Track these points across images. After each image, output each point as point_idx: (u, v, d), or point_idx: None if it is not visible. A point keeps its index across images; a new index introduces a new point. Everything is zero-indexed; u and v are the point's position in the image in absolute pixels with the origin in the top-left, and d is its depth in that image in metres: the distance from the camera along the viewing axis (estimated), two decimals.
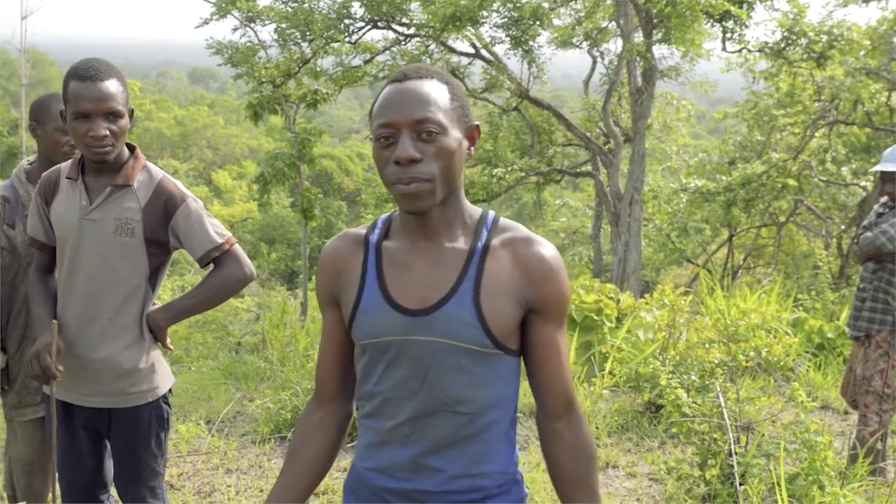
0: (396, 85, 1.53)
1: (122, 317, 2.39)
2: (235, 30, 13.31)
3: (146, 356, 2.44)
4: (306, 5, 13.41)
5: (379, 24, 13.87)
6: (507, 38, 14.31)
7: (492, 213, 1.62)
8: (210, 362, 6.83)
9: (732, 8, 12.61)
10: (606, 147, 14.86)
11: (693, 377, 4.44)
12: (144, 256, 2.40)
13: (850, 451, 4.15)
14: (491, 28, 14.16)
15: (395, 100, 1.51)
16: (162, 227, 2.41)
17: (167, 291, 14.68)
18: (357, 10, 13.65)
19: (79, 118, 2.27)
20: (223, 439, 4.58)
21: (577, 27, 15.55)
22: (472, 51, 14.45)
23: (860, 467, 3.87)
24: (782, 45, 13.84)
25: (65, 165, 2.49)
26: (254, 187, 14.35)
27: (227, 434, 4.69)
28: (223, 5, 12.78)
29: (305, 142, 12.54)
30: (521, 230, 1.60)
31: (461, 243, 1.58)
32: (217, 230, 2.46)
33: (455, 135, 1.52)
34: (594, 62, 16.29)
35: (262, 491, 3.92)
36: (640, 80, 13.64)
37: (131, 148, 2.46)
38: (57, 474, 2.48)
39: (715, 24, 13.84)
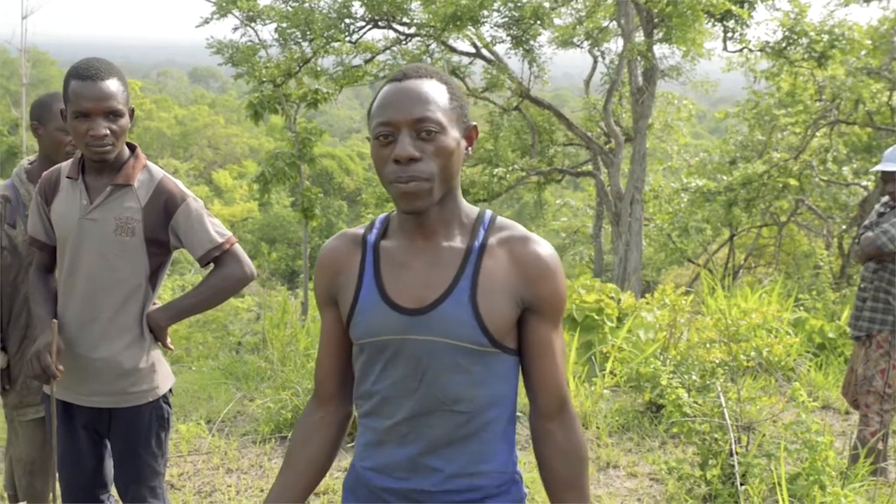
0: (396, 84, 1.53)
1: (122, 316, 2.39)
2: (236, 29, 13.33)
3: (146, 356, 2.44)
4: (307, 5, 13.42)
5: (379, 23, 13.87)
6: (508, 38, 14.32)
7: (489, 213, 1.62)
8: (210, 362, 6.82)
9: (733, 7, 12.62)
10: (607, 147, 14.86)
11: (694, 377, 4.45)
12: (145, 256, 2.39)
13: (851, 451, 4.15)
14: (492, 27, 14.19)
15: (395, 99, 1.51)
16: (162, 227, 2.40)
17: (167, 291, 14.69)
18: (357, 9, 13.67)
19: (79, 117, 2.27)
20: (223, 439, 4.58)
21: (577, 27, 15.55)
22: (472, 50, 14.46)
23: (861, 467, 3.87)
24: (783, 44, 13.85)
25: (65, 165, 2.48)
26: (254, 187, 14.35)
27: (227, 434, 4.69)
28: (224, 5, 12.79)
29: (306, 141, 12.56)
30: (518, 229, 1.60)
31: (458, 242, 1.57)
32: (217, 229, 2.46)
33: (454, 134, 1.52)
34: (595, 62, 16.29)
35: (262, 491, 3.92)
36: (640, 79, 13.65)
37: (132, 147, 2.45)
38: (57, 474, 2.48)
39: (716, 23, 13.86)
